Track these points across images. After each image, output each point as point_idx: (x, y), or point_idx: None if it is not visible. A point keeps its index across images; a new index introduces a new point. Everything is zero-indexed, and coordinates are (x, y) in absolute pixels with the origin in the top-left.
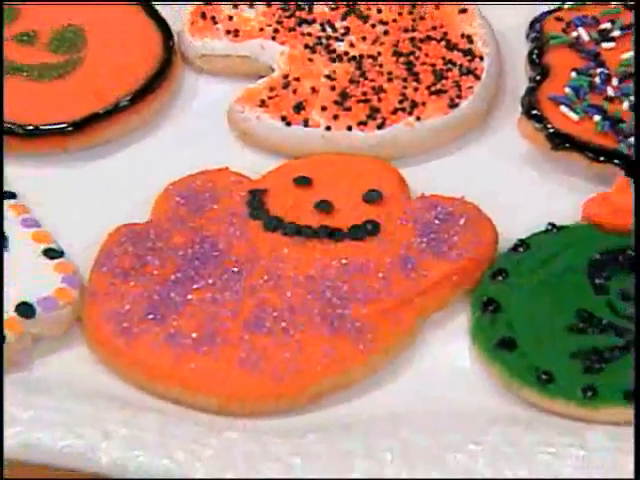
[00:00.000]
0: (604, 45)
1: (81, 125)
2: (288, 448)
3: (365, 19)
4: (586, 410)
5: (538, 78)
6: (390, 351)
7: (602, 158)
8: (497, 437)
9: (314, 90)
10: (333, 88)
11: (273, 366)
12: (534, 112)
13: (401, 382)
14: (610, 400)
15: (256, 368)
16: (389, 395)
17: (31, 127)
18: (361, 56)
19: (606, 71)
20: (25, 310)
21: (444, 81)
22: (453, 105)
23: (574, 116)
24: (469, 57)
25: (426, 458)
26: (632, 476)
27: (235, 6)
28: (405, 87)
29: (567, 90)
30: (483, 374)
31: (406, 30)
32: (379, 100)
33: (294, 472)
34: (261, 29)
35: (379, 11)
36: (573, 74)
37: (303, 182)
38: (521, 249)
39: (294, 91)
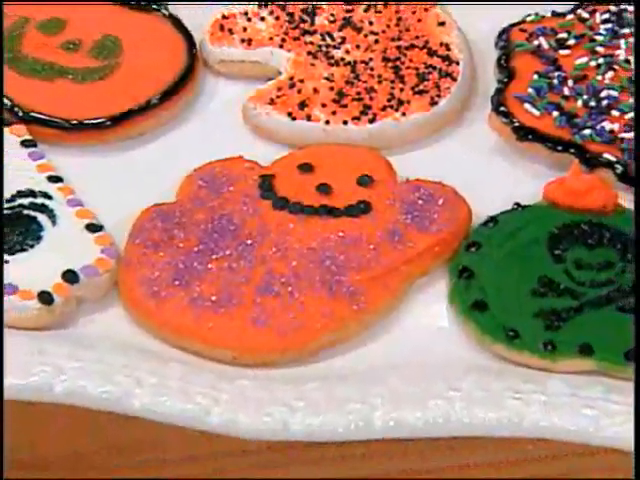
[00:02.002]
0: (561, 52)
1: (118, 120)
2: (292, 394)
3: (359, 30)
4: (546, 362)
5: (505, 80)
6: (380, 312)
7: (559, 148)
8: (471, 385)
9: (315, 90)
10: (332, 88)
11: (280, 324)
12: (502, 109)
13: (389, 338)
14: (567, 353)
15: (265, 326)
16: (379, 349)
17: (76, 122)
18: (355, 61)
19: (563, 74)
20: (70, 277)
21: (426, 83)
22: (433, 103)
23: (536, 112)
24: (447, 62)
25: (411, 403)
26: (583, 419)
27: (248, 19)
28: (393, 88)
29: (530, 90)
30: (459, 332)
31: (393, 39)
32: (370, 99)
33: (297, 414)
34: (270, 38)
35: (371, 23)
36: (535, 76)
37: (306, 168)
38: (491, 224)
39: (298, 91)
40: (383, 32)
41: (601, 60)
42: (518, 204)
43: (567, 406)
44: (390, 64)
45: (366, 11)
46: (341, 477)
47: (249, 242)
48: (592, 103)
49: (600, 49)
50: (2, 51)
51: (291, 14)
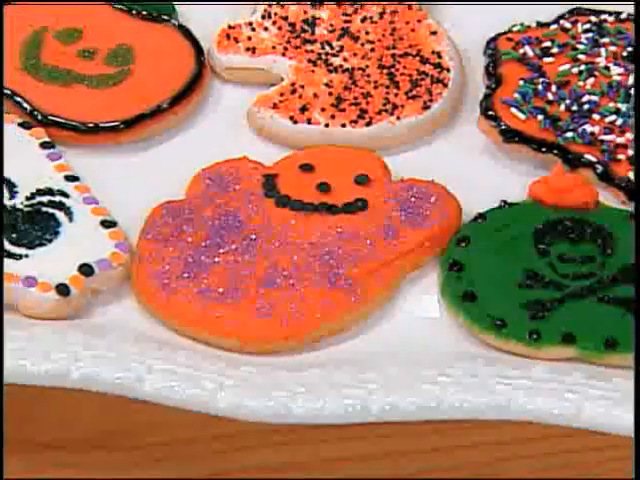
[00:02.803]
0: (545, 60)
1: (130, 123)
2: (293, 379)
3: (356, 39)
4: (532, 349)
5: (493, 86)
6: (375, 303)
7: (544, 149)
8: (462, 371)
9: (315, 95)
10: (330, 94)
11: (282, 314)
12: (490, 113)
13: (384, 328)
14: (550, 341)
15: (268, 316)
16: (375, 338)
17: (91, 124)
18: (353, 68)
19: (547, 80)
20: (86, 269)
21: (418, 88)
22: (426, 107)
23: (521, 116)
24: (438, 69)
25: (405, 388)
26: (566, 403)
27: (253, 29)
28: (388, 93)
29: (516, 95)
30: (450, 321)
31: (388, 48)
32: (367, 103)
33: (298, 398)
34: (273, 47)
35: (367, 33)
36: (521, 82)
37: (306, 168)
38: (480, 220)
39: (300, 96)
40: (379, 41)
41: (582, 67)
42: (505, 202)
43: (551, 391)
44: (385, 71)
45: (363, 21)
46: (339, 456)
47: (253, 237)
48: (574, 107)
49: (582, 57)
50: (2, 52)
51: (293, 24)
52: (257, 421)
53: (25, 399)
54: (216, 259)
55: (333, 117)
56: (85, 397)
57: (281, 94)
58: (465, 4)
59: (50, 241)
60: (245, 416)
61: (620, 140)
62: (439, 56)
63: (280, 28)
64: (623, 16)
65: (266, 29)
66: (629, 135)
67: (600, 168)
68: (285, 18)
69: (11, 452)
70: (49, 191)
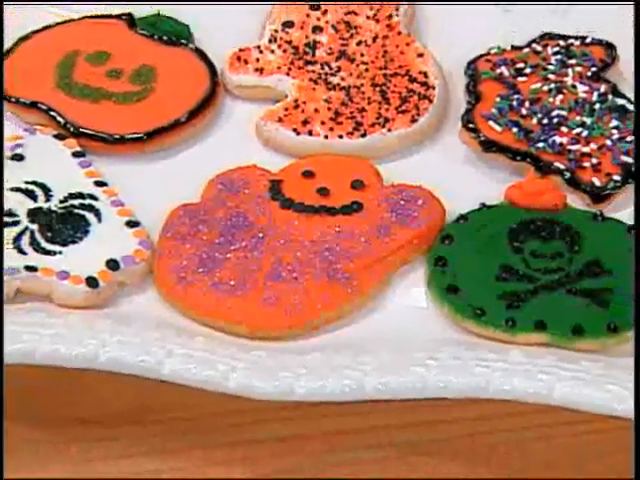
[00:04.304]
0: (519, 79)
1: (152, 135)
2: (297, 362)
3: (352, 60)
4: (507, 335)
5: (473, 102)
6: (369, 294)
7: (518, 157)
8: (446, 355)
9: (316, 110)
10: (329, 109)
11: (286, 304)
12: (470, 125)
13: (377, 317)
14: (524, 328)
15: (274, 306)
16: (369, 326)
17: (118, 136)
18: (349, 86)
19: (520, 97)
20: (113, 264)
21: (407, 104)
22: (414, 120)
23: (498, 128)
24: (425, 87)
25: (395, 370)
26: (538, 383)
27: (260, 52)
28: (380, 108)
29: (493, 110)
30: (436, 311)
31: (380, 68)
32: (362, 117)
33: (301, 379)
34: (279, 67)
35: (362, 55)
36: (497, 99)
37: (308, 174)
38: (462, 221)
39: (302, 111)
40: (372, 62)
41: (552, 85)
42: (484, 204)
43: (525, 372)
44: (378, 88)
45: (358, 45)
46: (338, 429)
47: (261, 236)
48: (545, 121)
49: (551, 76)
50: (2, 53)
51: (296, 47)
52: (265, 399)
53: (66, 380)
54: (228, 255)
55: (332, 129)
56: (118, 379)
57: (285, 109)
58: (449, 28)
59: (81, 239)
60: (254, 395)
61: (585, 150)
62: (425, 75)
63: (285, 51)
64: (588, 40)
65: (272, 52)
66: (593, 145)
67: (568, 174)
68: (289, 42)
69: (52, 427)
70: (80, 195)
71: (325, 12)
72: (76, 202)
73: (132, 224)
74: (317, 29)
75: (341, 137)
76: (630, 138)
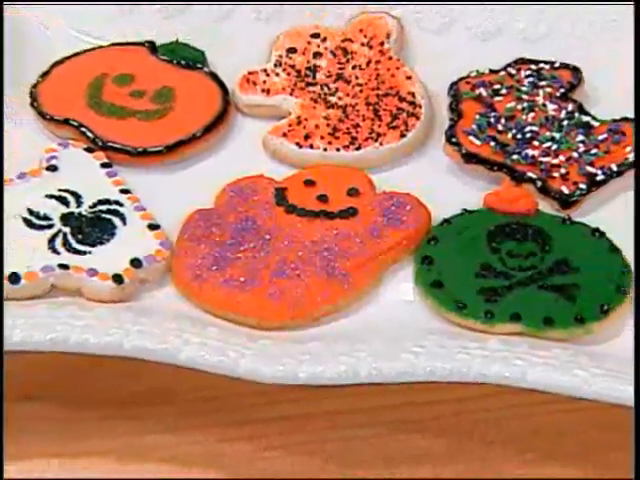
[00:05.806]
0: (496, 99)
1: (171, 148)
2: (299, 350)
3: (348, 82)
4: (486, 326)
5: (455, 119)
6: (364, 290)
7: (495, 168)
8: (432, 343)
9: (316, 126)
10: (328, 125)
11: (290, 299)
12: (453, 140)
13: (371, 309)
14: (501, 320)
15: (279, 300)
16: (363, 318)
17: (141, 149)
18: (346, 105)
19: (497, 114)
20: (136, 263)
21: (397, 121)
22: (403, 135)
23: (478, 142)
24: (413, 106)
25: (386, 356)
26: (515, 368)
27: (267, 74)
28: (373, 124)
29: (473, 126)
30: (422, 304)
31: (373, 89)
32: (357, 132)
33: (303, 365)
34: (283, 88)
35: (357, 77)
36: (477, 116)
37: (309, 183)
38: (445, 224)
39: (304, 127)
40: (366, 84)
41: (525, 104)
42: (465, 209)
43: (502, 359)
44: (371, 107)
45: (353, 69)
46: (337, 409)
47: (267, 237)
48: (519, 136)
49: (524, 96)
50: (2, 55)
51: (298, 71)
52: (271, 383)
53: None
54: (238, 255)
55: (330, 143)
56: (145, 364)
57: (289, 125)
58: (434, 54)
59: (108, 240)
60: (261, 379)
61: (555, 161)
62: (413, 96)
63: (288, 74)
64: (556, 65)
65: (277, 75)
66: (562, 157)
67: (539, 183)
68: (292, 66)
69: (85, 407)
70: (107, 201)
71: (324, 39)
72: (104, 207)
73: (153, 227)
74: (317, 55)
75: (338, 150)
76: (594, 151)
